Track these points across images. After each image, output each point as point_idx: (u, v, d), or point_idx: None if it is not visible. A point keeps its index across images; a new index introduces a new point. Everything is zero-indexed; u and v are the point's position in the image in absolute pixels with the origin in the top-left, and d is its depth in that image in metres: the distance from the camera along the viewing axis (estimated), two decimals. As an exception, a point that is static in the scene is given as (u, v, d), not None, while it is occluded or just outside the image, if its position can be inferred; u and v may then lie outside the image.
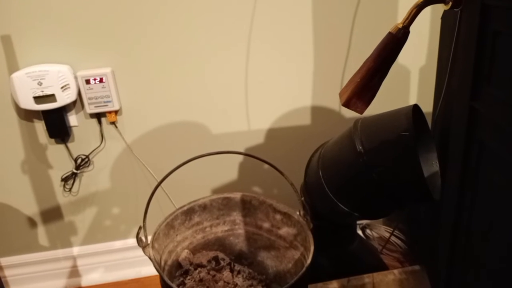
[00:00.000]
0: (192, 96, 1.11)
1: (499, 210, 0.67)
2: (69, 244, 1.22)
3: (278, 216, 0.98)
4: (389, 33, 0.73)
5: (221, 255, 1.02)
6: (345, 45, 1.12)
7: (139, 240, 0.83)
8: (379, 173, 0.82)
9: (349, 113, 1.19)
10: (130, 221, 1.23)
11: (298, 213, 0.93)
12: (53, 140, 1.10)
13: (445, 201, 0.84)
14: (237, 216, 1.03)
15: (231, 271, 0.99)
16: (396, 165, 0.81)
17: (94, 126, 1.11)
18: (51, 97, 1.01)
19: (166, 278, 0.77)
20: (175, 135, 1.15)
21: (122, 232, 1.24)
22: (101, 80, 1.03)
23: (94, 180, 1.16)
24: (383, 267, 1.10)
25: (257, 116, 1.16)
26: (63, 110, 1.06)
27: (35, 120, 1.07)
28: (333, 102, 1.18)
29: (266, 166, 1.01)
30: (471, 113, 0.71)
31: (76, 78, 1.03)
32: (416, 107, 0.84)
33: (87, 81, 1.03)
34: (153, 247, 0.85)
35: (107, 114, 1.08)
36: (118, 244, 1.24)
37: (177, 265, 0.96)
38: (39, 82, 0.99)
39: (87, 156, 1.13)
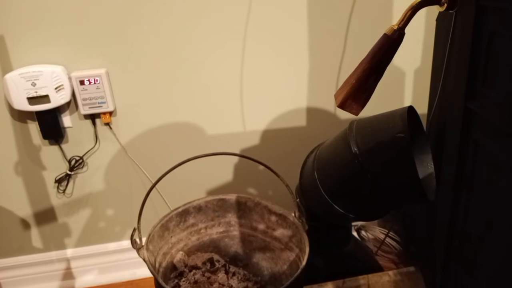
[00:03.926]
0: (187, 97, 1.11)
1: (495, 210, 0.67)
2: (62, 246, 1.22)
3: (273, 218, 0.98)
4: (385, 34, 0.73)
5: (216, 256, 1.02)
6: (341, 47, 1.12)
7: (133, 242, 0.82)
8: (374, 175, 0.82)
9: (345, 115, 1.19)
10: (124, 223, 1.22)
11: (293, 214, 0.93)
12: (46, 141, 1.09)
13: (441, 202, 0.84)
14: (232, 218, 1.03)
15: (226, 273, 0.99)
16: (391, 166, 0.81)
17: (88, 127, 1.10)
18: (45, 98, 1.00)
19: (160, 280, 0.76)
20: (170, 136, 1.14)
21: (116, 234, 1.23)
22: (95, 81, 1.02)
23: (88, 181, 1.15)
24: (378, 268, 1.10)
25: (252, 117, 1.16)
26: (57, 111, 1.05)
27: (28, 121, 1.07)
28: (329, 103, 1.18)
29: (262, 167, 1.00)
30: (467, 114, 0.72)
31: (70, 79, 1.02)
32: (411, 109, 0.84)
33: (81, 82, 1.02)
34: (147, 249, 0.84)
35: (102, 115, 1.08)
36: (112, 246, 1.24)
37: (172, 267, 0.96)
38: (33, 82, 0.98)
39: (81, 158, 1.12)
